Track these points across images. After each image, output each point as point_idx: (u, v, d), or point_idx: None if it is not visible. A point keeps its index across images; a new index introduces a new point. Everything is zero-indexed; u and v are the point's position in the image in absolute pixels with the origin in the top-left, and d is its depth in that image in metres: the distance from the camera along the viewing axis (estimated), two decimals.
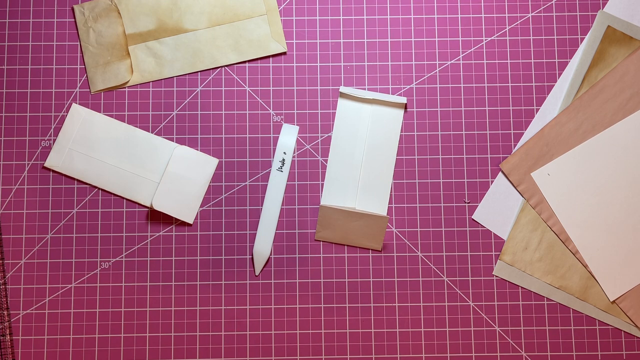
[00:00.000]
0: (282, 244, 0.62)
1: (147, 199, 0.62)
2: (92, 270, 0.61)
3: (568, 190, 0.62)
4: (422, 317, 0.61)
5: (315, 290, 0.62)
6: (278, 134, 0.63)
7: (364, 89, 0.63)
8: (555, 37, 0.64)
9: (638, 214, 0.62)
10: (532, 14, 0.64)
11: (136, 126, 0.63)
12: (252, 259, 0.62)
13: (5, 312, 0.61)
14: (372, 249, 0.62)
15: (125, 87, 0.63)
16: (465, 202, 0.63)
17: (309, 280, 0.62)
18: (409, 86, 0.63)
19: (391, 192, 0.62)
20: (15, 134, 0.62)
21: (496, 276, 0.62)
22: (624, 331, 0.61)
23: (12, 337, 0.60)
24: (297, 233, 0.62)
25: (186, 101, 0.63)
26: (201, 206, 0.62)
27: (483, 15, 0.64)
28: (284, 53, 0.63)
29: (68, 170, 0.62)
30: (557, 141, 0.62)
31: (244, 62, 0.63)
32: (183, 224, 0.62)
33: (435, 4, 0.64)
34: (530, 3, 0.64)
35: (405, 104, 0.63)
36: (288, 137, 0.60)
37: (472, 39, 0.64)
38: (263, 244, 0.60)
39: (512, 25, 0.64)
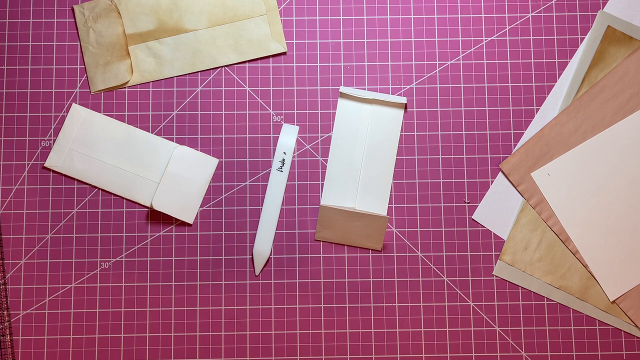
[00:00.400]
0: (282, 244, 0.62)
1: (147, 199, 0.62)
2: (92, 270, 0.61)
3: (568, 190, 0.62)
4: (422, 317, 0.61)
5: (315, 290, 0.62)
6: (278, 134, 0.63)
7: (364, 89, 0.63)
8: (555, 37, 0.64)
9: (638, 214, 0.62)
10: (532, 14, 0.64)
11: (136, 126, 0.63)
12: (252, 259, 0.62)
13: (5, 312, 0.61)
14: (372, 249, 0.62)
15: (125, 87, 0.63)
16: (465, 202, 0.63)
17: (309, 280, 0.62)
18: (409, 86, 0.63)
19: (391, 192, 0.62)
20: (15, 134, 0.62)
21: (496, 276, 0.62)
22: (624, 331, 0.61)
23: (12, 337, 0.60)
24: (297, 233, 0.62)
25: (186, 101, 0.63)
26: (201, 206, 0.62)
27: (483, 15, 0.64)
28: (284, 53, 0.63)
29: (68, 170, 0.62)
30: (557, 141, 0.62)
31: (244, 62, 0.63)
32: (183, 224, 0.62)
33: (435, 4, 0.64)
34: (530, 3, 0.64)
35: (405, 104, 0.63)
36: (288, 137, 0.60)
37: (472, 39, 0.64)
38: (263, 244, 0.60)
39: (512, 25, 0.64)
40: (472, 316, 0.62)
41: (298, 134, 0.63)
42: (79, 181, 0.62)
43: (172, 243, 0.62)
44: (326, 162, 0.63)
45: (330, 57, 0.64)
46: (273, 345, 0.61)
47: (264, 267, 0.62)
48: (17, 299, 0.61)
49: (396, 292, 0.62)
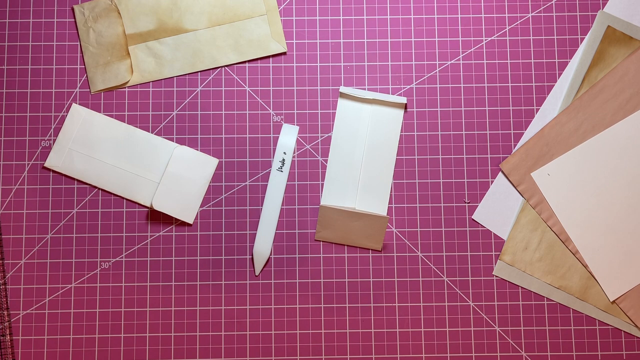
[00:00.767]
0: (282, 244, 0.62)
1: (147, 199, 0.62)
2: (92, 270, 0.61)
3: (568, 190, 0.62)
4: (422, 317, 0.61)
5: (315, 290, 0.62)
6: (278, 134, 0.63)
7: (364, 89, 0.63)
8: (555, 37, 0.64)
9: (638, 214, 0.62)
10: (532, 14, 0.64)
11: (136, 126, 0.63)
12: (252, 259, 0.62)
13: (5, 312, 0.61)
14: (372, 249, 0.62)
15: (125, 87, 0.63)
16: (465, 202, 0.63)
17: (309, 280, 0.62)
18: (409, 86, 0.63)
19: (391, 192, 0.62)
20: (15, 134, 0.62)
21: (496, 276, 0.62)
22: (624, 331, 0.61)
23: (12, 337, 0.60)
24: (297, 233, 0.62)
25: (186, 101, 0.63)
26: (201, 206, 0.62)
27: (483, 15, 0.64)
28: (284, 53, 0.63)
29: (68, 170, 0.62)
30: (557, 141, 0.62)
31: (244, 62, 0.63)
32: (183, 224, 0.62)
33: (435, 4, 0.64)
34: (530, 3, 0.64)
35: (405, 104, 0.63)
36: (288, 137, 0.60)
37: (472, 39, 0.64)
38: (263, 244, 0.60)
39: (512, 25, 0.64)
40: (472, 316, 0.62)
41: (298, 134, 0.63)
42: (79, 181, 0.62)
43: (172, 243, 0.62)
44: (326, 162, 0.63)
45: (330, 57, 0.64)
46: (273, 345, 0.61)
47: (264, 267, 0.62)
48: (17, 299, 0.61)
49: (396, 292, 0.62)
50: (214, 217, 0.62)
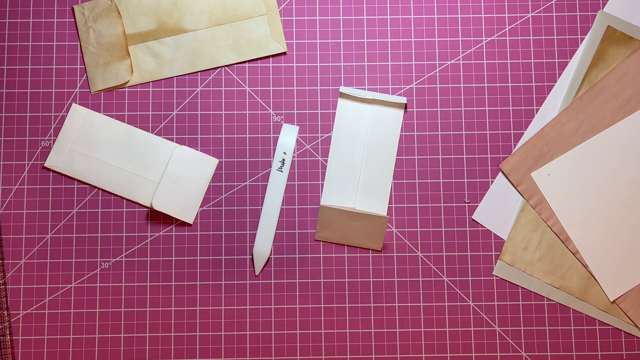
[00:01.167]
0: (282, 244, 0.62)
1: (147, 199, 0.62)
2: (92, 270, 0.61)
3: (568, 190, 0.62)
4: (422, 317, 0.61)
5: (315, 290, 0.62)
6: (278, 134, 0.63)
7: (364, 89, 0.63)
8: (555, 37, 0.64)
9: (638, 214, 0.62)
10: (532, 14, 0.64)
11: (136, 126, 0.63)
12: (252, 259, 0.62)
13: (5, 312, 0.61)
14: (372, 249, 0.62)
15: (125, 87, 0.63)
16: (465, 202, 0.63)
17: (309, 280, 0.62)
18: (409, 86, 0.63)
19: (391, 192, 0.62)
20: (15, 134, 0.62)
21: (496, 276, 0.62)
22: (624, 331, 0.61)
23: (12, 337, 0.60)
24: (297, 233, 0.62)
25: (186, 101, 0.63)
26: (201, 206, 0.62)
27: (483, 15, 0.64)
28: (284, 53, 0.63)
29: (68, 170, 0.62)
30: (557, 141, 0.62)
31: (244, 62, 0.63)
32: (183, 224, 0.62)
33: (435, 4, 0.64)
34: (530, 3, 0.64)
35: (405, 104, 0.63)
36: (288, 137, 0.60)
37: (472, 39, 0.64)
38: (263, 244, 0.60)
39: (512, 25, 0.64)
40: (472, 316, 0.62)
41: (298, 134, 0.63)
42: (79, 181, 0.62)
43: (172, 243, 0.62)
44: (326, 162, 0.63)
45: (330, 57, 0.64)
46: (273, 345, 0.61)
47: (264, 267, 0.62)
48: (17, 299, 0.61)
49: (396, 292, 0.62)
50: (214, 217, 0.62)
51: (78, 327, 0.61)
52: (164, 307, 0.61)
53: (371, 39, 0.64)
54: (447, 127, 0.63)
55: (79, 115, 0.62)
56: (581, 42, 0.64)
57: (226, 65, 0.63)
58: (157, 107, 0.63)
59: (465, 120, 0.63)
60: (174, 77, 0.63)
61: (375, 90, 0.63)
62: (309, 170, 0.63)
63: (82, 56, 0.63)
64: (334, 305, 0.61)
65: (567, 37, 0.64)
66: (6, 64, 0.63)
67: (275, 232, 0.62)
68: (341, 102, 0.63)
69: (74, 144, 0.62)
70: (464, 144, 0.63)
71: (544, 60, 0.64)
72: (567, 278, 0.62)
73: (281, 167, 0.60)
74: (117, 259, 0.62)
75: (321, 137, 0.63)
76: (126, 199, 0.62)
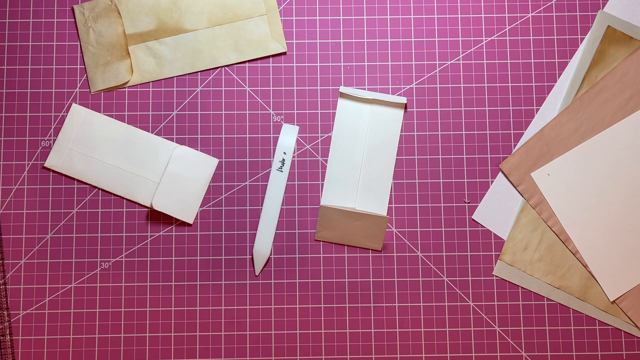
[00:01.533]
0: (282, 244, 0.62)
1: (147, 199, 0.62)
2: (92, 270, 0.61)
3: (568, 190, 0.62)
4: (422, 317, 0.61)
5: (315, 290, 0.62)
6: (278, 134, 0.63)
7: (364, 89, 0.63)
8: (555, 37, 0.64)
9: (638, 214, 0.62)
10: (532, 14, 0.64)
11: (136, 126, 0.63)
12: (252, 259, 0.62)
13: (5, 312, 0.61)
14: (372, 249, 0.62)
15: (125, 87, 0.63)
16: (465, 202, 0.63)
17: (309, 280, 0.62)
18: (409, 86, 0.63)
19: (391, 192, 0.62)
20: (15, 134, 0.62)
21: (496, 276, 0.62)
22: (624, 331, 0.61)
23: (12, 337, 0.60)
24: (297, 233, 0.62)
25: (186, 101, 0.63)
26: (201, 206, 0.62)
27: (483, 15, 0.64)
28: (284, 53, 0.63)
29: (68, 170, 0.62)
30: (557, 141, 0.62)
31: (244, 62, 0.63)
32: (183, 224, 0.62)
33: (435, 4, 0.64)
34: (530, 3, 0.64)
35: (405, 104, 0.63)
36: (288, 137, 0.60)
37: (472, 39, 0.64)
38: (263, 244, 0.60)
39: (512, 25, 0.64)
40: (472, 316, 0.62)
41: (298, 134, 0.63)
42: (79, 181, 0.62)
43: (172, 243, 0.62)
44: (326, 162, 0.63)
45: (330, 57, 0.64)
46: (273, 345, 0.61)
47: (264, 267, 0.62)
48: (17, 299, 0.61)
49: (396, 292, 0.62)
50: (214, 217, 0.62)
51: (78, 327, 0.61)
52: (164, 307, 0.61)
53: (371, 39, 0.64)
54: (447, 127, 0.63)
55: (79, 115, 0.62)
56: (581, 42, 0.64)
57: (226, 65, 0.63)
58: (157, 107, 0.63)
59: (465, 120, 0.63)
60: (174, 77, 0.63)
61: (375, 90, 0.63)
62: (309, 170, 0.63)
63: (82, 56, 0.63)
64: (334, 305, 0.61)
65: (567, 37, 0.64)
66: (6, 64, 0.63)
67: (275, 232, 0.62)
68: (341, 102, 0.63)
69: (74, 144, 0.62)
70: (464, 144, 0.63)
71: (544, 60, 0.64)
72: (567, 278, 0.62)
73: (281, 167, 0.60)
74: (117, 259, 0.62)
75: (321, 137, 0.63)
76: (126, 199, 0.62)
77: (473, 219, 0.62)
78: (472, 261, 0.62)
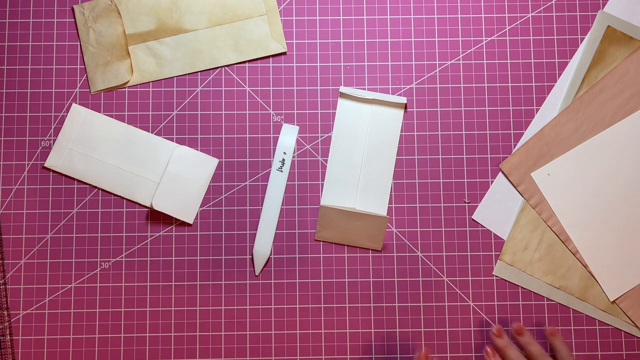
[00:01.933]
0: (282, 244, 0.62)
1: (147, 199, 0.62)
2: (92, 270, 0.61)
3: (568, 190, 0.62)
4: (422, 317, 0.61)
5: (315, 290, 0.62)
6: (278, 134, 0.63)
7: (364, 89, 0.63)
8: (555, 37, 0.64)
9: (638, 214, 0.62)
10: (532, 14, 0.64)
11: (136, 126, 0.63)
12: (252, 259, 0.62)
13: (5, 312, 0.61)
14: (372, 249, 0.62)
15: (125, 87, 0.63)
16: (465, 202, 0.63)
17: (309, 280, 0.62)
18: (409, 86, 0.63)
19: (391, 192, 0.62)
20: (15, 134, 0.62)
21: (496, 276, 0.62)
22: (624, 331, 0.61)
23: (12, 337, 0.60)
24: (297, 233, 0.62)
25: (186, 101, 0.63)
26: (201, 206, 0.62)
27: (483, 15, 0.64)
28: (284, 53, 0.63)
29: (68, 170, 0.62)
30: (557, 141, 0.62)
31: (244, 62, 0.63)
32: (183, 224, 0.62)
33: (435, 4, 0.64)
34: (530, 3, 0.64)
35: (405, 104, 0.63)
36: (288, 137, 0.60)
37: (472, 39, 0.64)
38: (263, 244, 0.60)
39: (512, 25, 0.64)
40: (472, 316, 0.62)
41: (298, 134, 0.63)
42: (79, 181, 0.62)
43: (172, 243, 0.62)
44: (326, 162, 0.63)
45: (330, 57, 0.64)
46: (273, 345, 0.61)
47: (264, 267, 0.62)
48: (17, 299, 0.61)
49: (396, 292, 0.62)
50: (214, 217, 0.62)
51: (78, 327, 0.61)
52: (164, 307, 0.61)
53: (371, 39, 0.64)
54: (447, 127, 0.63)
55: (79, 115, 0.62)
56: (581, 42, 0.64)
57: (226, 65, 0.63)
58: (157, 107, 0.63)
59: (465, 120, 0.63)
60: (174, 77, 0.63)
61: (375, 90, 0.63)
62: (309, 170, 0.63)
63: (82, 56, 0.63)
64: (334, 305, 0.61)
65: (567, 37, 0.64)
66: (6, 64, 0.63)
67: (275, 232, 0.62)
68: (341, 102, 0.63)
69: (74, 144, 0.62)
70: (464, 144, 0.63)
71: (544, 60, 0.64)
72: (567, 278, 0.62)
73: (281, 167, 0.60)
74: (117, 259, 0.62)
75: (321, 137, 0.63)
76: (126, 199, 0.62)
77: (473, 219, 0.62)
78: (472, 261, 0.62)
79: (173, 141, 0.63)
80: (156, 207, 0.60)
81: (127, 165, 0.62)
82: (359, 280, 0.62)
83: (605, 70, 0.63)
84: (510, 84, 0.63)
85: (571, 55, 0.64)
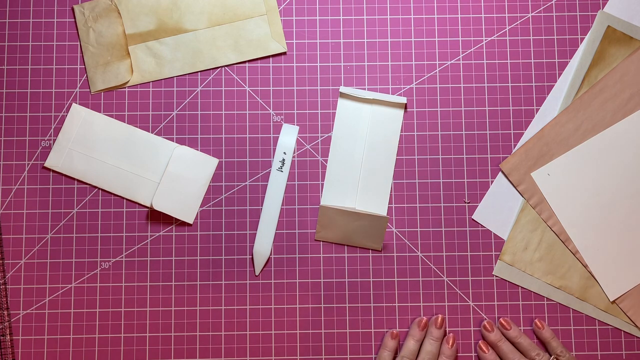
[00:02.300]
0: (282, 244, 0.62)
1: (147, 199, 0.62)
2: (92, 270, 0.61)
3: (568, 190, 0.62)
4: (422, 317, 0.61)
5: (315, 290, 0.62)
6: (278, 134, 0.63)
7: (364, 89, 0.63)
8: (555, 37, 0.64)
9: (638, 214, 0.62)
10: (532, 14, 0.64)
11: (136, 126, 0.63)
12: (252, 259, 0.62)
13: (5, 312, 0.61)
14: (372, 249, 0.62)
15: (125, 87, 0.63)
16: (465, 202, 0.63)
17: (309, 280, 0.62)
18: (409, 86, 0.63)
19: (391, 192, 0.62)
20: (15, 134, 0.62)
21: (496, 276, 0.62)
22: (624, 331, 0.61)
23: (12, 337, 0.60)
24: (297, 233, 0.62)
25: (186, 101, 0.63)
26: (201, 206, 0.62)
27: (483, 15, 0.64)
28: (284, 53, 0.63)
29: (68, 170, 0.62)
30: (557, 141, 0.62)
31: (244, 62, 0.63)
32: (183, 224, 0.62)
33: (435, 4, 0.64)
34: (530, 3, 0.64)
35: (405, 104, 0.63)
36: (288, 137, 0.60)
37: (472, 39, 0.64)
38: (263, 244, 0.60)
39: (512, 25, 0.64)
40: (472, 316, 0.62)
41: (298, 134, 0.63)
42: (79, 181, 0.62)
43: (172, 243, 0.62)
44: (326, 162, 0.63)
45: (330, 57, 0.64)
46: (273, 345, 0.61)
47: (264, 267, 0.62)
48: (17, 299, 0.61)
49: (396, 292, 0.62)
50: (214, 217, 0.62)
51: (78, 327, 0.61)
52: (164, 307, 0.61)
53: (371, 39, 0.64)
54: (447, 127, 0.63)
55: (79, 115, 0.62)
56: (581, 42, 0.64)
57: (226, 65, 0.63)
58: (157, 107, 0.63)
59: (465, 120, 0.63)
60: (174, 77, 0.63)
61: (375, 90, 0.63)
62: (309, 170, 0.63)
63: (82, 56, 0.63)
64: (334, 305, 0.61)
65: (567, 37, 0.64)
66: (6, 64, 0.63)
67: (275, 232, 0.62)
68: (341, 102, 0.63)
69: (74, 144, 0.62)
70: (464, 144, 0.63)
71: (544, 60, 0.64)
72: (567, 278, 0.62)
73: (281, 167, 0.60)
74: (117, 259, 0.62)
75: (321, 137, 0.63)
76: (126, 199, 0.62)
77: (473, 219, 0.62)
78: (472, 261, 0.62)
79: (173, 141, 0.63)
80: (156, 207, 0.60)
81: (127, 165, 0.62)
82: (359, 280, 0.62)
83: (605, 70, 0.63)
84: (510, 84, 0.63)
85: (571, 55, 0.64)
